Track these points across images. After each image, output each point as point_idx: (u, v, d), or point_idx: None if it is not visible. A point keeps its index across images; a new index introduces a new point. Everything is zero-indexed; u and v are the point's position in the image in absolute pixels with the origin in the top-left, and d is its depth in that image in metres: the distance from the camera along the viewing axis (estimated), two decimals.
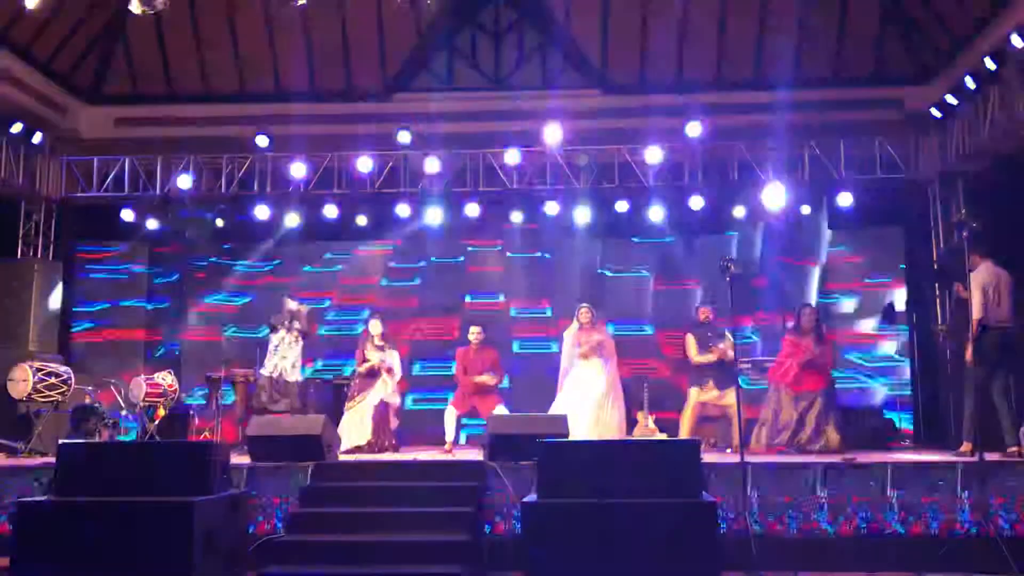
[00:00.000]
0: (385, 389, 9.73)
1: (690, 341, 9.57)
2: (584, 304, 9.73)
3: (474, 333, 9.90)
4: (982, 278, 7.83)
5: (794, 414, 8.79)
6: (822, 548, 6.69)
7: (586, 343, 9.47)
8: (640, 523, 5.52)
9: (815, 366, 8.91)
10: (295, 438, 7.83)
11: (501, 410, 9.38)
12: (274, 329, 10.22)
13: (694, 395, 9.45)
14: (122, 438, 10.10)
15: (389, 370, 9.77)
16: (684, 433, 9.27)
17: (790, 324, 9.44)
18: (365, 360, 9.78)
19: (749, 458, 7.11)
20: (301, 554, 6.56)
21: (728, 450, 9.12)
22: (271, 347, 10.17)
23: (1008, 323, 7.77)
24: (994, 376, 7.72)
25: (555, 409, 9.17)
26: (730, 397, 9.03)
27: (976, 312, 7.77)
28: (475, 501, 7.02)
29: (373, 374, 9.74)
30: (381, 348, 9.85)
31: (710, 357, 9.35)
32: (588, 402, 9.19)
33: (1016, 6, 8.93)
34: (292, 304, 10.27)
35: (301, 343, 10.24)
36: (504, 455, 7.44)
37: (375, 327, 9.94)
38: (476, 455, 8.35)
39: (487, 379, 9.62)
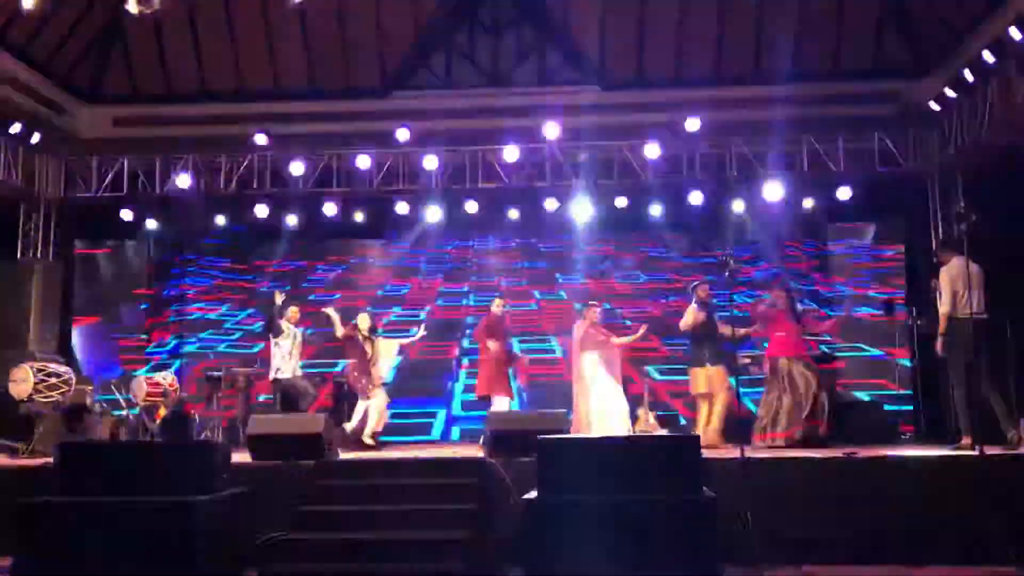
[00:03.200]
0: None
1: (694, 309, 9.47)
2: (596, 303, 9.81)
3: (500, 304, 10.09)
4: (952, 273, 7.99)
5: (800, 387, 8.84)
6: (823, 543, 6.69)
7: (592, 339, 9.55)
8: (641, 519, 5.52)
9: (790, 334, 9.00)
10: (296, 437, 7.84)
11: (497, 402, 9.53)
12: (276, 329, 10.17)
13: (700, 379, 9.33)
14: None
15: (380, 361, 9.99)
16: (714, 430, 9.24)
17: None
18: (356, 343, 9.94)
19: (749, 453, 7.12)
20: (304, 552, 6.57)
21: (729, 444, 9.14)
22: (283, 351, 10.14)
23: (983, 314, 7.87)
24: (977, 367, 7.77)
25: (591, 391, 9.34)
26: (720, 378, 9.11)
27: (944, 306, 7.98)
28: (476, 498, 7.03)
29: (353, 341, 9.93)
30: (370, 341, 9.98)
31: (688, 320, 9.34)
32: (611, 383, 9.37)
33: None
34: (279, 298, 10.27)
35: (301, 343, 10.25)
36: (505, 452, 7.46)
37: (363, 321, 10.04)
38: (477, 452, 8.37)
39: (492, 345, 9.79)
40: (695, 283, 9.61)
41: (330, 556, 6.49)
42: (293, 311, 10.23)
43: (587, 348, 9.59)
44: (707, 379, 9.27)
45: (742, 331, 9.08)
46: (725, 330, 9.13)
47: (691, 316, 9.37)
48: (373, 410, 9.67)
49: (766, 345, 9.39)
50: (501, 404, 9.65)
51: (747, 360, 9.65)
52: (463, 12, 12.13)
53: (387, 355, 10.12)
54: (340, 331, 9.95)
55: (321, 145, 11.37)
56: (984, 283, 7.98)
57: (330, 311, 10.06)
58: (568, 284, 12.13)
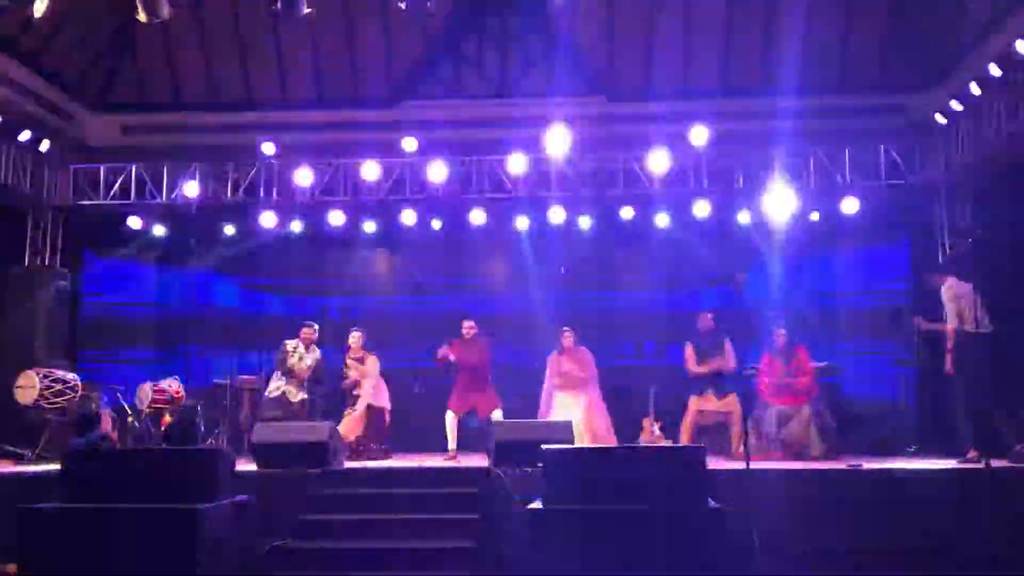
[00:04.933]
0: (368, 396, 9.94)
1: (689, 351, 9.69)
2: (566, 328, 9.90)
3: (465, 327, 9.97)
4: (953, 291, 8.12)
5: (774, 428, 8.95)
6: (828, 555, 6.67)
7: (564, 375, 9.68)
8: (646, 530, 5.51)
9: (789, 388, 9.09)
10: (301, 445, 7.86)
11: (499, 415, 9.46)
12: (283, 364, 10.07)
13: (693, 404, 9.54)
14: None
15: (358, 383, 10.01)
16: (684, 441, 9.36)
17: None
18: (345, 376, 10.10)
19: (755, 465, 7.12)
20: (308, 561, 6.58)
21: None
22: (276, 373, 10.08)
23: (987, 329, 7.92)
24: (984, 381, 7.79)
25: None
26: (730, 402, 9.17)
27: (951, 321, 8.03)
28: (481, 508, 7.04)
29: (356, 386, 10.05)
30: (360, 360, 10.07)
31: (705, 369, 9.50)
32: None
33: (1020, 12, 8.93)
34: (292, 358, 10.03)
35: (309, 367, 10.00)
36: (509, 461, 7.46)
37: (355, 339, 10.09)
38: (481, 461, 8.36)
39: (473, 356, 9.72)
40: (698, 312, 9.78)
41: (333, 565, 6.50)
42: (307, 331, 10.09)
43: (558, 386, 9.63)
44: (702, 407, 9.42)
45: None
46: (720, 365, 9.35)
47: (690, 360, 9.65)
48: (346, 426, 9.65)
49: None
50: (497, 416, 9.63)
51: (752, 372, 9.62)
52: (471, 22, 12.15)
53: (374, 372, 10.09)
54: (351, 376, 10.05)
55: (328, 154, 11.40)
56: (980, 301, 8.05)
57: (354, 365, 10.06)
58: (572, 296, 12.10)
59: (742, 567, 6.16)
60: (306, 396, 9.94)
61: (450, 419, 9.75)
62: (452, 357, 9.74)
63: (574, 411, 9.45)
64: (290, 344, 10.00)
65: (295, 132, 11.53)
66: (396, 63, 12.04)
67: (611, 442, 9.42)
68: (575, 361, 9.75)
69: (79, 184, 11.57)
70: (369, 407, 9.93)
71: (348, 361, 10.10)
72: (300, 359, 9.92)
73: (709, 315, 9.80)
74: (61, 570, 5.67)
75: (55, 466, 7.89)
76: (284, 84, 12.08)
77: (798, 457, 8.80)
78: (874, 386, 11.24)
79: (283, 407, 9.75)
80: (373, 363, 10.11)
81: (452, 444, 9.68)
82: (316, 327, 10.17)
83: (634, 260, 12.41)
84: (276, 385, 9.92)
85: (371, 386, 9.98)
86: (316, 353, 10.06)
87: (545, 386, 9.89)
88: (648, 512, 5.57)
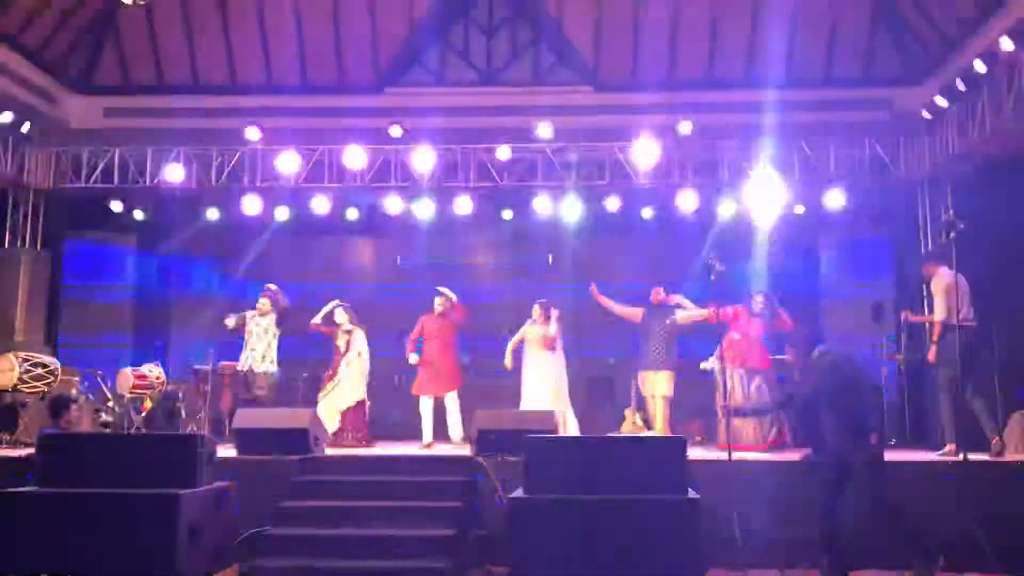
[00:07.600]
0: (355, 389, 9.77)
1: (635, 311, 9.73)
2: (537, 302, 9.84)
3: (440, 300, 9.93)
4: (944, 283, 8.02)
5: (740, 397, 8.83)
6: (807, 545, 6.70)
7: (530, 341, 9.68)
8: (626, 519, 5.53)
9: (754, 351, 9.01)
10: (282, 431, 7.84)
11: (454, 396, 9.58)
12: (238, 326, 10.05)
13: (640, 380, 9.64)
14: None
15: (359, 353, 9.85)
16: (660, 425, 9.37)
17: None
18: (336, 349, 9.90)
19: (735, 455, 7.15)
20: (288, 547, 6.56)
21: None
22: (249, 342, 10.06)
23: (972, 322, 7.94)
24: (965, 375, 7.81)
25: (525, 401, 9.41)
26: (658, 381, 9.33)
27: (939, 314, 8.00)
28: (461, 496, 7.04)
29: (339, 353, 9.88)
30: (348, 332, 9.91)
31: (617, 308, 9.83)
32: (547, 393, 9.37)
33: (1006, 9, 8.97)
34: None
35: (272, 333, 9.94)
36: (491, 450, 7.46)
37: (340, 316, 9.96)
38: (463, 450, 8.36)
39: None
40: (653, 286, 9.83)
41: (314, 552, 6.49)
42: (263, 302, 10.04)
43: (530, 349, 9.65)
44: (647, 382, 9.42)
45: (695, 313, 9.21)
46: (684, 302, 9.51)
47: (625, 308, 9.80)
48: (322, 410, 9.55)
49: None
50: (452, 400, 9.66)
51: (708, 368, 9.56)
52: (457, 9, 12.11)
53: (362, 347, 10.00)
54: (318, 318, 9.93)
55: (313, 140, 11.34)
56: (969, 291, 8.06)
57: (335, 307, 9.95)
58: (555, 284, 12.09)
59: (722, 556, 6.19)
60: (272, 369, 9.85)
61: (426, 407, 9.64)
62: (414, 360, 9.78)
63: (542, 382, 9.49)
64: (248, 314, 9.98)
65: (279, 117, 11.47)
66: (382, 49, 11.99)
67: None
68: (542, 327, 9.71)
69: (61, 166, 11.46)
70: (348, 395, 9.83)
71: (338, 333, 9.91)
72: (256, 325, 9.90)
73: (661, 289, 9.81)
74: (36, 555, 5.62)
75: (32, 450, 7.84)
76: (269, 68, 12.00)
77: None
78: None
79: (248, 381, 9.77)
80: (363, 337, 9.96)
81: (428, 435, 9.55)
82: (268, 296, 10.05)
83: (619, 250, 12.39)
84: (246, 356, 9.88)
85: (365, 366, 9.87)
86: (271, 315, 9.96)
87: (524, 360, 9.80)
88: (628, 502, 5.58)
